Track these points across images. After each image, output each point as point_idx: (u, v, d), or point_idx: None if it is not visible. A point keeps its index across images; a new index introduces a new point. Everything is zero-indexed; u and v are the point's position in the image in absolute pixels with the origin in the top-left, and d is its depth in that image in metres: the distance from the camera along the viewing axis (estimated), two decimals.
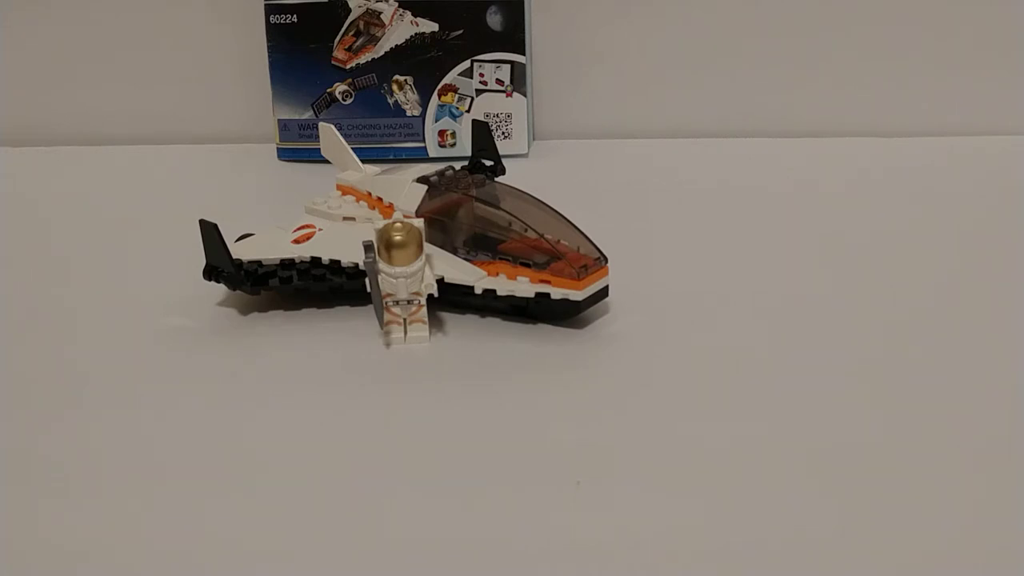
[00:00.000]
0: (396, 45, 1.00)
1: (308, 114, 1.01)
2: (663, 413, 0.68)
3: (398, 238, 0.73)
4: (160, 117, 1.04)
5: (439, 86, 1.01)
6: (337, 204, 0.80)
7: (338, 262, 0.75)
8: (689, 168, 0.98)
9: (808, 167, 0.97)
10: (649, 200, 0.93)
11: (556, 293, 0.74)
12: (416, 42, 1.00)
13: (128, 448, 0.66)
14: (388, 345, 0.75)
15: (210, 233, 0.73)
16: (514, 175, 0.86)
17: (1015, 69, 0.99)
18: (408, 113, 1.01)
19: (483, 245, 0.75)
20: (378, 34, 1.00)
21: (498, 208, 0.75)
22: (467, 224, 0.76)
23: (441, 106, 1.01)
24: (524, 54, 1.00)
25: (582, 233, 0.73)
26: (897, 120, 1.01)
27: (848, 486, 0.61)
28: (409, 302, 0.75)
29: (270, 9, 0.99)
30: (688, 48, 1.02)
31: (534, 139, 1.05)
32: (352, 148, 0.87)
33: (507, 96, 1.01)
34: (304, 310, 0.78)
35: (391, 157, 1.02)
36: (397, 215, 0.75)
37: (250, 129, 1.04)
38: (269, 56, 1.01)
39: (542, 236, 0.73)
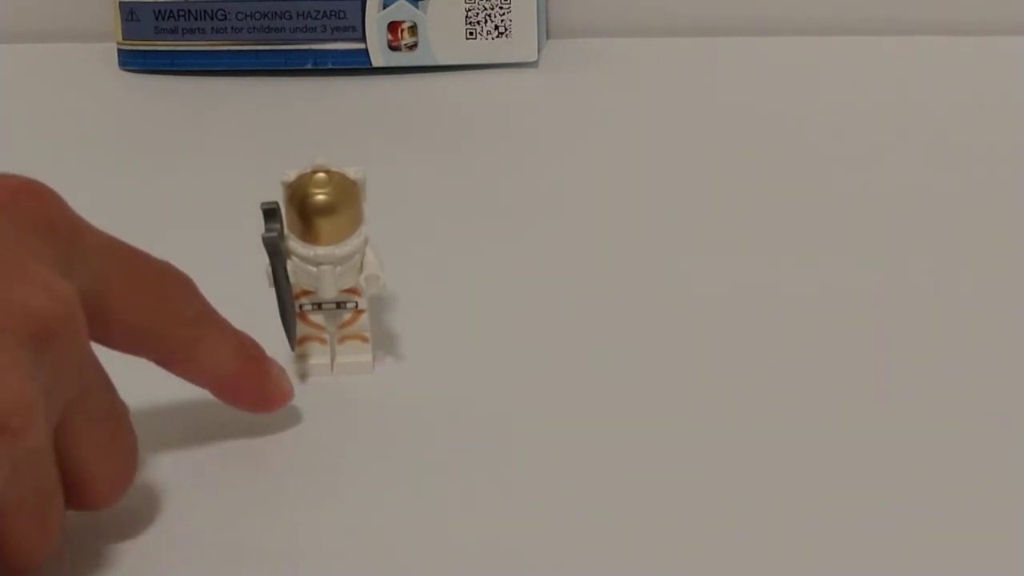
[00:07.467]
0: None
1: None
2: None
3: (321, 198, 0.60)
4: None
5: None
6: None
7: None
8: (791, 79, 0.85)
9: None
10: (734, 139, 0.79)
11: None
12: None
13: None
14: (303, 377, 0.63)
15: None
16: (518, 98, 0.83)
17: None
18: None
19: None
20: None
21: None
22: None
23: None
24: None
25: None
26: None
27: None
28: (341, 306, 0.62)
29: None
30: None
31: (548, 37, 0.93)
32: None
33: None
34: None
35: (310, 65, 0.89)
36: (320, 160, 0.61)
37: (76, 20, 0.93)
38: None
39: None
